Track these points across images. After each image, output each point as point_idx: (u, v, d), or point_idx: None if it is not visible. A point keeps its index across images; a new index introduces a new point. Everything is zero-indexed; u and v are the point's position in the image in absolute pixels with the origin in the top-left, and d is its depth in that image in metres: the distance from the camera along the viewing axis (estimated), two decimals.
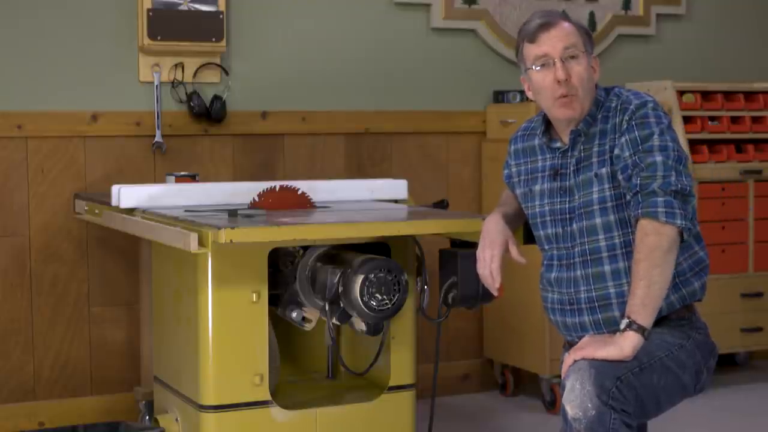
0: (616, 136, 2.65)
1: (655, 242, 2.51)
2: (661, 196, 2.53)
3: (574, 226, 2.71)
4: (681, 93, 4.72)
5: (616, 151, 2.63)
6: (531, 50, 2.70)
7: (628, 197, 2.59)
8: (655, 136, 2.59)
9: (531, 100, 4.42)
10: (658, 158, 2.56)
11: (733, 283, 4.72)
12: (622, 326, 2.52)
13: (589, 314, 2.69)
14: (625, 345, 2.50)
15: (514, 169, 2.90)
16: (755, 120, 4.85)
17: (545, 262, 2.82)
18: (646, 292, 2.50)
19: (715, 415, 4.31)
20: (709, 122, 4.75)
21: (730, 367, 5.03)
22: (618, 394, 2.45)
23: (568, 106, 2.67)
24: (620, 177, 2.61)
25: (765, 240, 4.78)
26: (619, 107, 2.67)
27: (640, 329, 2.50)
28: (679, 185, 2.55)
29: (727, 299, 4.69)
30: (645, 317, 2.50)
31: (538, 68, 2.69)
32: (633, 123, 2.61)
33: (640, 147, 2.59)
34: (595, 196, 2.67)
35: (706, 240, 2.75)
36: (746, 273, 4.76)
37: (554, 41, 2.66)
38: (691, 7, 5.16)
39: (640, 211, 2.53)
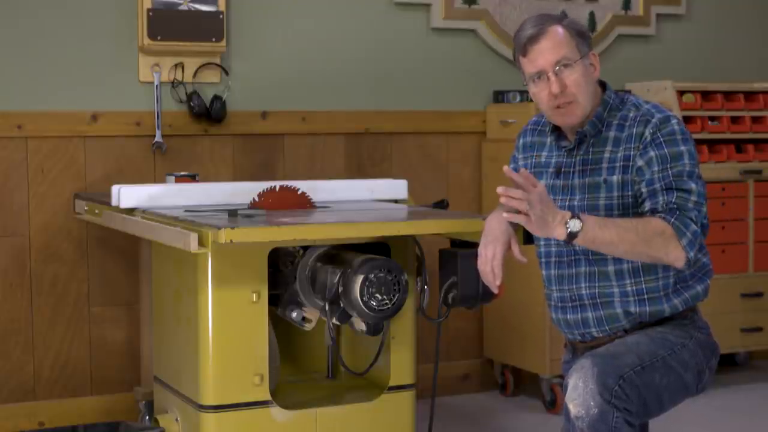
0: (634, 146, 2.64)
1: (656, 242, 2.52)
2: (694, 225, 2.56)
3: None
4: (681, 93, 4.73)
5: (640, 163, 2.62)
6: (525, 65, 2.70)
7: (656, 208, 2.58)
8: (686, 160, 2.61)
9: (531, 100, 4.44)
10: (692, 185, 2.59)
11: (733, 283, 4.72)
12: (569, 221, 2.47)
13: (591, 310, 2.70)
14: (557, 233, 2.48)
15: (521, 163, 2.90)
16: (755, 120, 4.85)
17: (543, 259, 2.82)
18: (610, 232, 2.50)
19: (715, 415, 4.31)
20: (709, 122, 4.75)
21: (730, 367, 5.03)
22: (621, 393, 2.45)
23: (568, 114, 2.68)
24: (643, 189, 2.61)
25: (765, 240, 4.78)
26: (639, 118, 2.66)
27: (573, 234, 2.47)
28: (706, 220, 2.61)
29: (727, 299, 4.69)
30: (589, 228, 2.48)
31: (534, 81, 2.69)
32: (661, 139, 2.61)
33: (669, 165, 2.60)
34: (602, 201, 2.67)
35: (706, 240, 2.75)
36: (746, 273, 4.76)
37: (545, 54, 2.64)
38: (691, 7, 5.16)
39: (673, 221, 2.54)
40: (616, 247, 2.53)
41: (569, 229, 2.48)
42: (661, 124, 2.63)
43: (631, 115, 2.69)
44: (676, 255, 2.54)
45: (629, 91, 4.61)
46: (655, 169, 2.60)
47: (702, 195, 2.61)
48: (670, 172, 2.59)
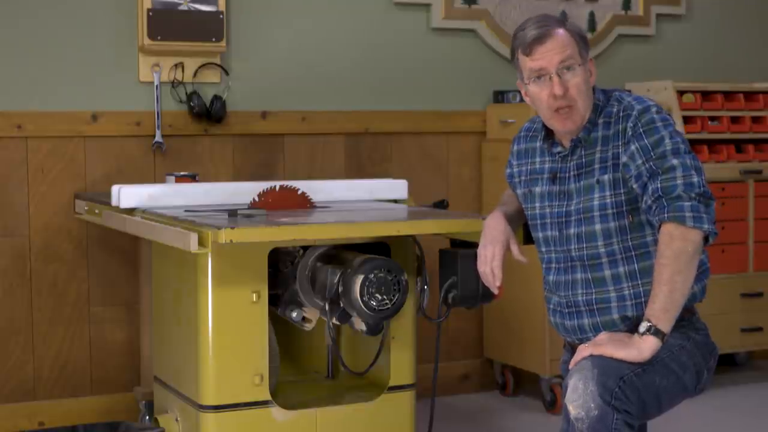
0: (620, 143, 2.63)
1: (680, 247, 2.49)
2: (687, 201, 2.51)
3: (571, 230, 2.70)
4: (681, 93, 4.73)
5: (624, 159, 2.61)
6: (527, 63, 2.68)
7: (648, 202, 2.56)
8: (666, 141, 2.58)
9: None
10: (675, 161, 2.55)
11: (733, 283, 4.72)
12: (642, 330, 2.50)
13: (588, 317, 2.69)
14: (644, 348, 2.50)
15: (516, 169, 2.90)
16: (755, 120, 4.85)
17: (544, 265, 2.82)
18: (669, 298, 2.49)
19: (715, 415, 4.31)
20: (709, 122, 4.75)
21: (730, 367, 5.03)
22: (621, 395, 2.45)
23: (568, 118, 2.66)
24: (634, 185, 2.59)
25: (765, 240, 4.78)
26: (621, 113, 2.65)
27: (660, 334, 2.49)
28: (702, 188, 2.55)
29: (727, 299, 4.69)
30: (665, 323, 2.50)
31: (535, 81, 2.68)
32: (640, 130, 2.60)
33: (652, 153, 2.57)
34: (596, 202, 2.66)
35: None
36: (746, 273, 4.76)
37: (550, 55, 2.64)
38: (691, 7, 5.16)
39: (666, 215, 2.51)
40: (678, 286, 2.50)
41: (645, 330, 2.50)
42: (640, 116, 2.62)
43: (614, 110, 2.68)
44: (695, 242, 2.50)
45: (630, 91, 4.62)
46: (639, 162, 2.59)
47: (690, 167, 2.55)
48: (652, 159, 2.57)
